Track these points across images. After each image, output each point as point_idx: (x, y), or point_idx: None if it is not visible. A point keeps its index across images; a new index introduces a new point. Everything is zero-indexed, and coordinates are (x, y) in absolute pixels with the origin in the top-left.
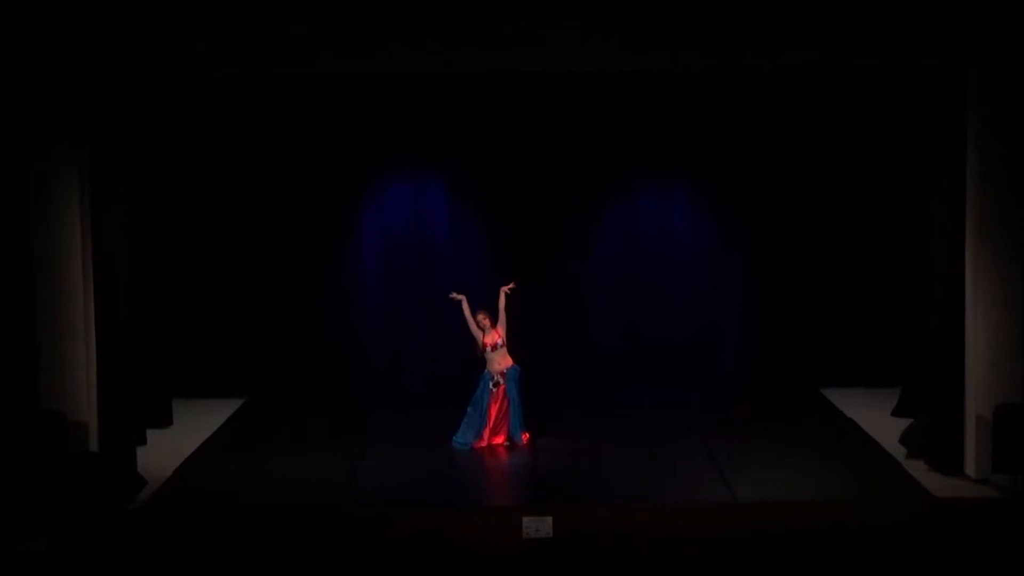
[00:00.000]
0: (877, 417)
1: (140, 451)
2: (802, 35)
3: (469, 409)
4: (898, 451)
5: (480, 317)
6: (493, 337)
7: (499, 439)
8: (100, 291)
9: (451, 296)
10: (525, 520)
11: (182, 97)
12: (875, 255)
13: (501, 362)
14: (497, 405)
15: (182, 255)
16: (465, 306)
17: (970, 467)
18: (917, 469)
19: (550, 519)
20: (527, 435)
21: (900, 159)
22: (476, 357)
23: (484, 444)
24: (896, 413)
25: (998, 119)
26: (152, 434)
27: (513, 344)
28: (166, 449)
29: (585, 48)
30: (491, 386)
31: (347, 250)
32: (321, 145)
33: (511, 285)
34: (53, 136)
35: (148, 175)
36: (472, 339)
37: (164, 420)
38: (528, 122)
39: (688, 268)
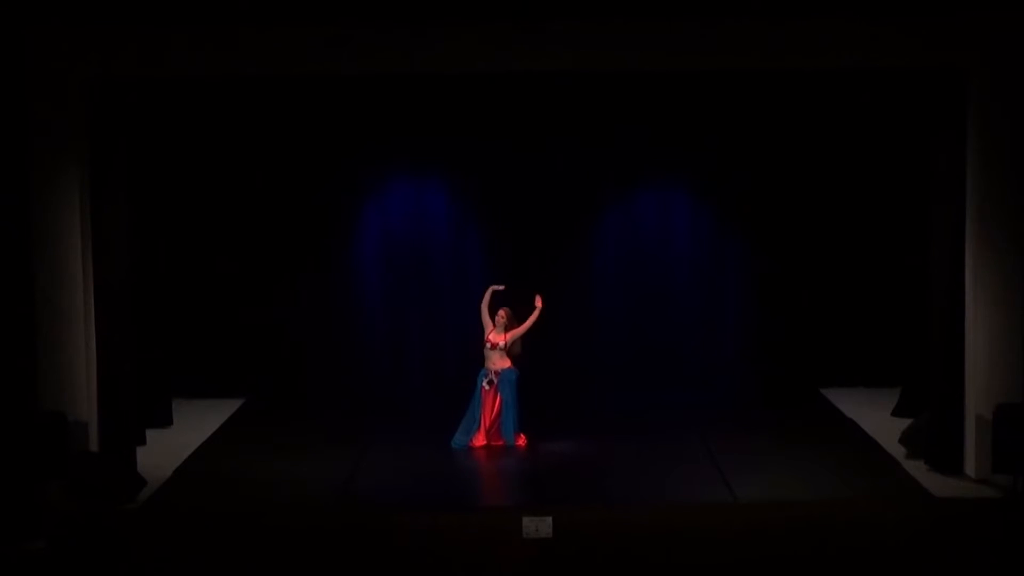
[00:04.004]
0: (877, 417)
1: (140, 451)
2: (802, 36)
3: (468, 410)
4: (898, 451)
5: (502, 313)
6: (499, 337)
7: (500, 441)
8: (100, 291)
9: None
10: (525, 520)
11: (182, 96)
12: (875, 254)
13: (498, 362)
14: (489, 405)
15: (182, 254)
16: (486, 298)
17: (970, 467)
18: (917, 469)
19: (550, 519)
20: (523, 437)
21: (900, 159)
22: (480, 352)
23: (482, 444)
24: (896, 413)
25: (998, 119)
26: (152, 434)
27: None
28: (166, 449)
29: (586, 48)
30: (484, 383)
31: (347, 250)
32: (321, 145)
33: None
34: (53, 135)
35: (148, 175)
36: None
37: (164, 420)
38: (529, 122)
39: (689, 268)
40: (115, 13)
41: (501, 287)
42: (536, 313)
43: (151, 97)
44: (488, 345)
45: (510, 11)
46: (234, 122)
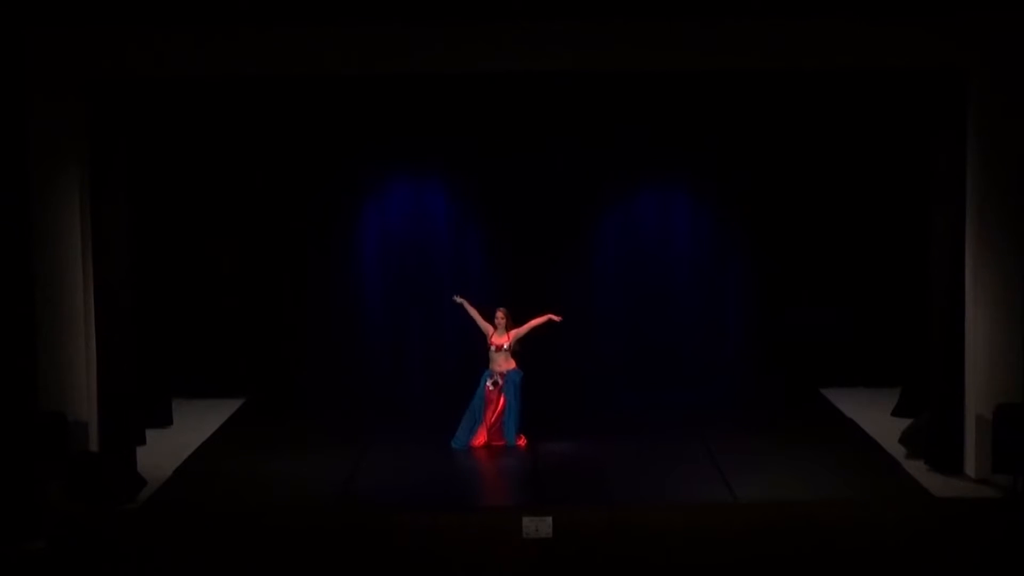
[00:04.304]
0: (877, 417)
1: (140, 451)
2: (802, 36)
3: (468, 409)
4: (898, 451)
5: (499, 314)
6: (502, 339)
7: (501, 441)
8: (100, 291)
9: (455, 299)
10: (525, 520)
11: (183, 97)
12: (875, 254)
13: (503, 364)
14: (492, 406)
15: (182, 255)
16: (468, 307)
17: (970, 467)
18: (917, 469)
19: (550, 519)
20: (523, 439)
21: (900, 159)
22: (480, 352)
23: (483, 444)
24: (896, 413)
25: (998, 119)
26: (152, 434)
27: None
28: (166, 449)
29: (586, 48)
30: (488, 384)
31: (347, 250)
32: (321, 145)
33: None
34: (53, 136)
35: (148, 175)
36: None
37: (164, 420)
38: (529, 122)
39: (689, 268)
40: (115, 13)
41: (462, 300)
42: (544, 319)
43: (151, 97)
44: (493, 348)
45: (510, 11)
46: (234, 122)
